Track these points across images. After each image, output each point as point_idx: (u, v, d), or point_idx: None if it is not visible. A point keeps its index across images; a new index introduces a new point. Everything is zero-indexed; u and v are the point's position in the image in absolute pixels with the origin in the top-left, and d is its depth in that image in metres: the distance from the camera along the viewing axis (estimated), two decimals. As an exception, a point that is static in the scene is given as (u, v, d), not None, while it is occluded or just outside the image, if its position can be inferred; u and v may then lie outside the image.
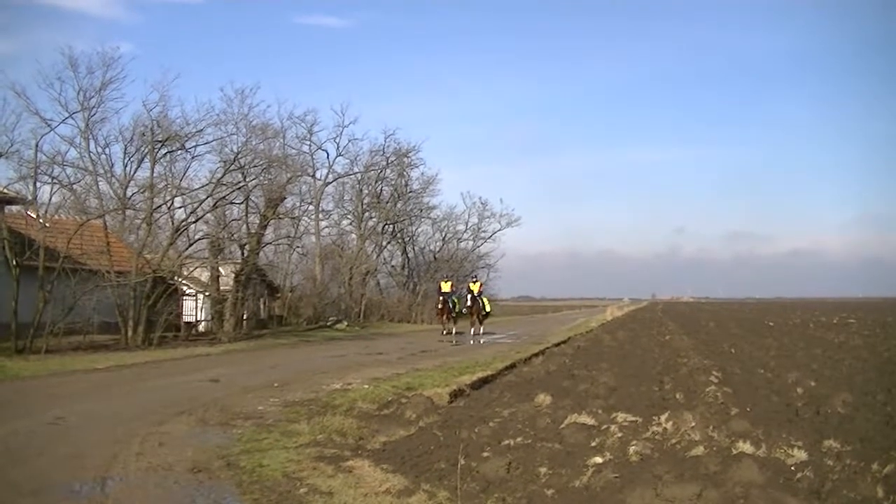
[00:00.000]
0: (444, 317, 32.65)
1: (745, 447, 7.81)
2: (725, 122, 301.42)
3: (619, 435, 8.78)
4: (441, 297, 32.48)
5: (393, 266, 63.46)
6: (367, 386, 14.78)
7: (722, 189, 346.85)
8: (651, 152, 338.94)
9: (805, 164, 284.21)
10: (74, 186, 28.82)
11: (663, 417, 9.44)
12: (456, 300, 32.70)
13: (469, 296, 32.20)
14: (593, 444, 8.56)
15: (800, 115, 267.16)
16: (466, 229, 69.40)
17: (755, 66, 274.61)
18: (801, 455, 7.57)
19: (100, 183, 29.40)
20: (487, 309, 34.06)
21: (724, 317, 53.40)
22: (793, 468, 7.10)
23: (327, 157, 55.90)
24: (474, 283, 33.98)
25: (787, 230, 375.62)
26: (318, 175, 54.55)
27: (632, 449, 8.01)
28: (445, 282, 34.92)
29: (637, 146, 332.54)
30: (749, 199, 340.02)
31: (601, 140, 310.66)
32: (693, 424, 8.97)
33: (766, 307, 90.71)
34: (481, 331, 32.28)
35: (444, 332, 32.53)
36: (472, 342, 29.61)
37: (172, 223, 30.61)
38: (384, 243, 61.04)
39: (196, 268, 33.35)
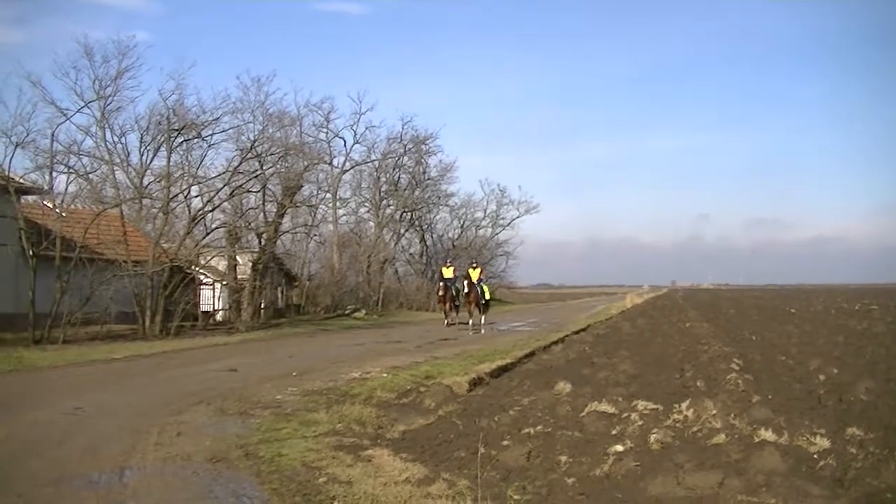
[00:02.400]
0: (447, 305, 31.90)
1: (767, 435, 7.78)
2: (749, 107, 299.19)
3: (640, 423, 8.76)
4: (442, 284, 31.88)
5: (411, 254, 63.68)
6: (385, 375, 14.78)
7: (745, 175, 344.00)
8: (674, 138, 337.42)
9: (830, 149, 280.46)
10: (91, 176, 28.88)
11: (684, 405, 9.41)
12: (459, 287, 31.65)
13: (466, 282, 30.83)
14: (614, 432, 8.55)
15: (825, 100, 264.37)
16: (485, 216, 69.65)
17: (779, 48, 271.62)
18: (823, 443, 7.53)
19: (116, 172, 29.39)
20: (487, 297, 32.58)
21: (745, 304, 53.09)
22: (815, 456, 7.07)
23: (344, 145, 56.03)
24: (474, 268, 32.38)
25: (811, 217, 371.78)
26: (335, 163, 54.79)
27: (653, 437, 7.99)
28: (447, 266, 33.72)
29: (659, 132, 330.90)
30: (772, 185, 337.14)
31: (622, 126, 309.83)
32: (714, 412, 8.94)
33: (788, 294, 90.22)
34: (482, 321, 30.84)
35: (447, 322, 31.78)
36: (471, 332, 28.29)
37: (189, 212, 30.70)
38: (402, 231, 61.24)
39: (213, 257, 33.41)
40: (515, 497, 6.49)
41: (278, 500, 6.51)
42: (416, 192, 60.01)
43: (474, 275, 31.37)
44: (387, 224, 57.70)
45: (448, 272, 32.48)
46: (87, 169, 28.65)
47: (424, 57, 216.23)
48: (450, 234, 67.65)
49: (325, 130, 53.59)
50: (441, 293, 31.77)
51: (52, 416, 10.40)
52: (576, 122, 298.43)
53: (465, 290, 30.67)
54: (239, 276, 34.22)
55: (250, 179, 31.70)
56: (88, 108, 28.42)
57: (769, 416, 8.74)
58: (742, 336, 22.29)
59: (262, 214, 34.61)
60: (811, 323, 27.95)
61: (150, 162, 29.75)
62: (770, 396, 10.51)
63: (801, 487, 6.08)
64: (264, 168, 32.01)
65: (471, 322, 30.89)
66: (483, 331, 28.87)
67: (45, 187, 26.50)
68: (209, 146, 30.85)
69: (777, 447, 7.11)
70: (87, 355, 19.46)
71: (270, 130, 32.32)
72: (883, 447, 7.33)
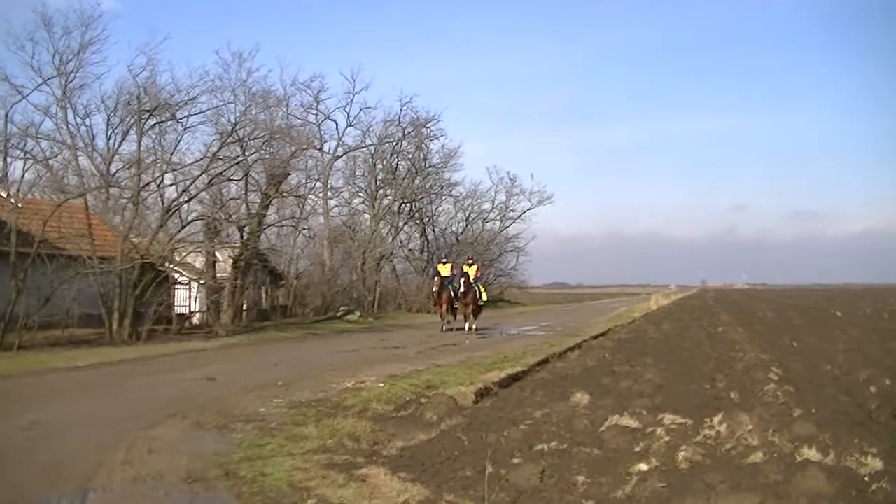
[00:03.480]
0: (444, 307, 31.38)
1: (811, 454, 7.74)
2: (790, 86, 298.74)
3: (667, 439, 8.73)
4: (438, 282, 31.49)
5: (410, 250, 63.77)
6: (382, 384, 14.80)
7: (785, 161, 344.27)
8: (704, 121, 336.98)
9: (881, 134, 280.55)
10: (50, 162, 28.59)
11: (716, 419, 9.38)
12: (456, 286, 31.06)
13: (463, 280, 30.40)
14: (637, 449, 8.52)
15: (871, 80, 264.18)
16: (493, 208, 69.83)
17: (826, 17, 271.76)
18: (875, 464, 7.48)
19: (79, 158, 29.28)
20: (484, 299, 32.35)
21: (784, 305, 53.06)
22: (866, 479, 7.01)
23: (336, 128, 55.84)
24: (470, 265, 32.09)
25: (859, 208, 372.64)
26: (326, 148, 54.63)
27: (681, 455, 7.97)
28: (444, 264, 33.27)
29: (689, 114, 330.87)
30: (817, 172, 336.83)
31: (646, 107, 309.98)
32: (750, 427, 8.90)
33: (833, 295, 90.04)
34: (474, 326, 30.66)
35: (444, 327, 31.25)
36: (467, 341, 27.07)
37: (162, 203, 30.69)
38: (401, 224, 61.28)
39: (189, 253, 33.42)
40: (527, 522, 6.47)
41: (261, 526, 6.49)
42: (417, 181, 60.04)
43: (471, 272, 31.17)
44: (384, 216, 57.71)
45: (444, 270, 32.13)
46: (47, 154, 28.43)
47: (425, 30, 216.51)
48: (454, 228, 67.88)
49: (314, 112, 53.62)
50: (436, 292, 31.34)
51: (6, 432, 10.39)
52: (594, 102, 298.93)
53: (462, 289, 30.34)
54: (218, 275, 34.21)
55: (231, 166, 31.72)
56: (47, 85, 28.35)
57: (813, 432, 8.70)
58: (781, 342, 22.23)
59: (244, 206, 34.66)
60: (860, 328, 27.88)
61: (119, 147, 29.74)
62: (814, 410, 10.46)
63: (850, 513, 6.04)
64: (247, 154, 32.09)
65: (466, 326, 30.79)
66: (468, 340, 27.24)
67: (-1, 175, 26.42)
68: (185, 129, 30.95)
69: (822, 468, 7.06)
70: (47, 363, 19.43)
71: (253, 112, 32.43)
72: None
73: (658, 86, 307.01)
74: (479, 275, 32.38)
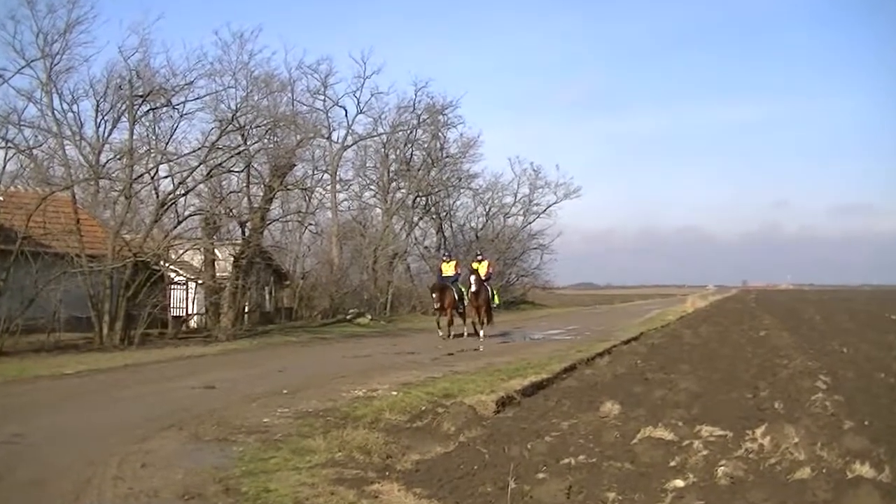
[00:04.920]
0: (447, 311, 28.82)
1: (864, 470, 7.71)
2: (838, 69, 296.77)
3: (705, 453, 8.73)
4: (438, 283, 29.65)
5: (426, 247, 63.58)
6: (395, 393, 14.85)
7: (832, 152, 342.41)
8: (744, 107, 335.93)
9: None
10: (35, 151, 28.81)
11: (759, 431, 9.36)
12: (463, 288, 29.22)
13: (473, 278, 28.32)
14: (672, 463, 8.52)
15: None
16: (515, 202, 69.59)
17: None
18: (934, 481, 7.46)
19: (66, 147, 29.31)
20: (496, 301, 30.81)
21: (832, 308, 52.89)
22: (924, 496, 7.00)
23: (346, 115, 55.80)
24: (479, 261, 29.96)
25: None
26: (334, 137, 54.66)
27: (720, 470, 7.96)
28: (447, 262, 31.32)
29: (727, 100, 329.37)
30: (866, 163, 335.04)
31: (681, 93, 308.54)
32: (796, 440, 8.88)
33: (886, 296, 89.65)
34: (482, 333, 28.25)
35: (443, 334, 28.60)
36: (480, 347, 25.95)
37: (157, 196, 30.73)
38: (415, 219, 61.17)
39: (187, 250, 33.43)
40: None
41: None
42: (433, 173, 59.88)
43: (481, 270, 29.34)
44: (397, 211, 57.67)
45: (448, 268, 30.51)
46: (31, 143, 28.57)
47: (441, 10, 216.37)
48: (472, 224, 67.67)
49: (321, 98, 53.55)
50: (436, 295, 28.88)
51: (-12, 445, 10.41)
52: (623, 88, 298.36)
53: (473, 288, 28.26)
54: (218, 274, 34.22)
55: (232, 157, 31.73)
56: (31, 68, 28.36)
57: (866, 446, 8.67)
58: (830, 348, 22.16)
59: (245, 199, 34.71)
60: (917, 332, 27.77)
61: (109, 135, 29.83)
62: (866, 423, 10.43)
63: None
64: (248, 143, 32.08)
65: (481, 332, 28.46)
66: (481, 347, 26.05)
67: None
68: (181, 116, 31.03)
69: (876, 485, 7.03)
70: (31, 370, 19.47)
71: (256, 97, 32.35)
72: None
73: (692, 70, 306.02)
74: (491, 272, 30.82)
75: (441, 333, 28.71)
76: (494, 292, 30.58)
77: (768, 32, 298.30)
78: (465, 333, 29.19)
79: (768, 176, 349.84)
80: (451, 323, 29.15)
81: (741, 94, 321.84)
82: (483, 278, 28.90)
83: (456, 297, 29.03)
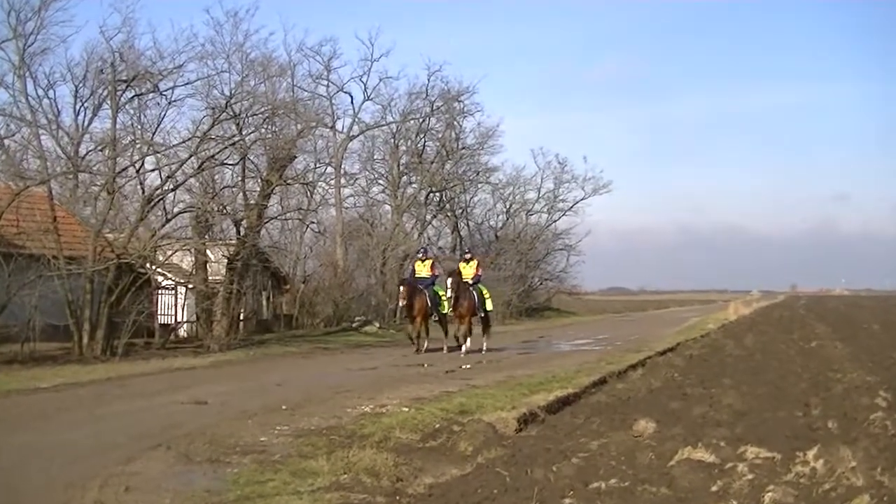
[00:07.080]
0: (418, 319, 28.23)
1: (929, 497, 7.69)
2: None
3: (750, 477, 8.70)
4: (405, 286, 28.45)
5: (440, 248, 63.62)
6: (406, 409, 14.86)
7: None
8: (792, 92, 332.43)
9: None
10: (6, 142, 28.79)
11: (811, 454, 9.33)
12: (441, 293, 28.38)
13: (450, 280, 27.32)
14: (714, 488, 8.51)
15: None
16: (539, 198, 69.78)
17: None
18: None
19: (42, 137, 29.26)
20: (488, 308, 29.23)
21: (893, 316, 52.68)
22: None
23: (351, 102, 55.88)
24: (467, 261, 29.24)
25: None
26: (339, 126, 54.69)
27: (768, 496, 7.94)
28: (422, 261, 30.31)
29: (775, 83, 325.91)
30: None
31: (722, 75, 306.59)
32: (853, 464, 8.85)
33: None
34: (483, 345, 27.98)
35: (416, 348, 28.05)
36: (463, 365, 24.23)
37: (143, 191, 30.66)
38: (428, 217, 61.24)
39: (176, 251, 33.55)
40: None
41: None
42: (447, 166, 59.97)
43: (467, 271, 28.48)
44: (408, 208, 57.74)
45: (422, 269, 29.59)
46: (2, 133, 28.66)
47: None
48: (491, 222, 67.83)
49: (325, 83, 53.58)
50: (404, 301, 28.05)
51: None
52: (657, 72, 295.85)
53: (450, 294, 27.22)
54: (210, 278, 34.34)
55: (225, 148, 31.84)
56: (2, 49, 28.41)
57: (931, 470, 8.64)
58: (890, 360, 22.10)
59: (241, 195, 34.67)
60: None
61: (89, 124, 29.86)
62: (932, 444, 10.40)
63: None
64: (244, 133, 32.17)
65: (464, 345, 27.79)
66: (468, 365, 24.43)
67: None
68: (169, 103, 31.03)
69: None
70: (3, 384, 19.42)
71: (252, 83, 32.43)
72: None
73: (733, 51, 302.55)
74: (479, 273, 29.04)
75: (415, 345, 28.35)
76: (487, 296, 29.14)
77: (818, 6, 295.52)
78: (446, 348, 28.50)
79: (823, 167, 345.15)
80: (420, 335, 28.45)
81: (787, 77, 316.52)
82: (470, 281, 28.13)
83: (429, 303, 28.15)
